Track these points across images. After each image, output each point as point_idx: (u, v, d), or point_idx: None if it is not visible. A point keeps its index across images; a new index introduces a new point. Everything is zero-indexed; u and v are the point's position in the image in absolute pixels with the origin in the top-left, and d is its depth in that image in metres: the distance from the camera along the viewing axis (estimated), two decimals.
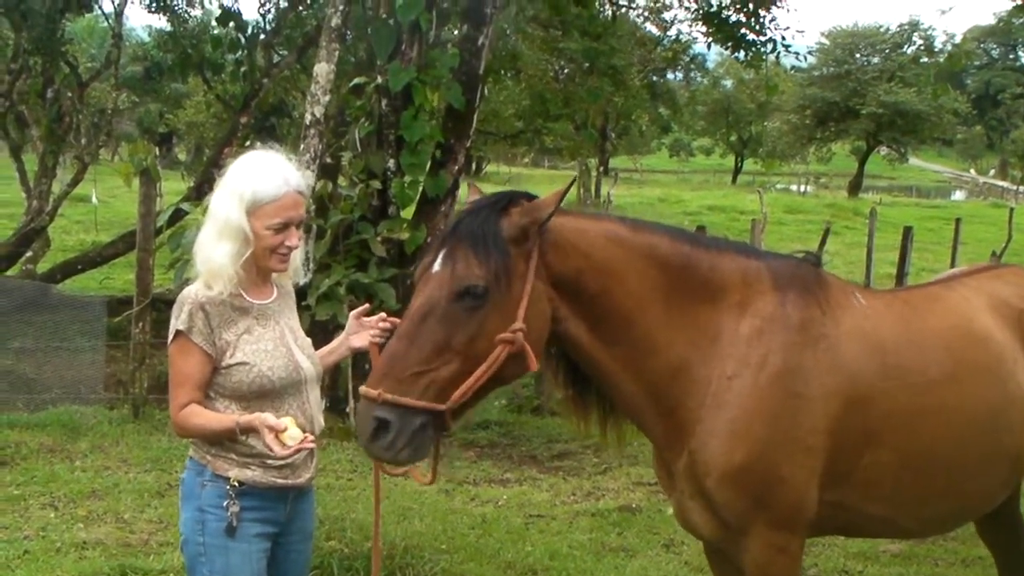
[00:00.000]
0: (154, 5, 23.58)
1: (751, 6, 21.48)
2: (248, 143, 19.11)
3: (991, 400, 5.67)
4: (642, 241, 5.14)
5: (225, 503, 4.91)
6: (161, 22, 24.38)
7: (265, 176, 4.88)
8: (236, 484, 4.92)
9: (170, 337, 4.94)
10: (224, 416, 4.88)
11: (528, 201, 4.92)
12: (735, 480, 5.10)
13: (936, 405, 5.49)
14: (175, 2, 23.81)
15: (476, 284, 4.65)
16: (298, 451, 4.73)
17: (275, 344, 5.03)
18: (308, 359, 5.18)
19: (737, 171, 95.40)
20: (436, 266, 4.77)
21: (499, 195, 5.01)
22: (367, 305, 5.56)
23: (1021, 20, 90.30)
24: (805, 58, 29.82)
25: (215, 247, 4.88)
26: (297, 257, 5.15)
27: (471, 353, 4.66)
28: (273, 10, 20.79)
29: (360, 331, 5.39)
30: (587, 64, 24.28)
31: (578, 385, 5.36)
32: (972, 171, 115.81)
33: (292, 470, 5.04)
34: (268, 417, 4.72)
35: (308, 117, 12.42)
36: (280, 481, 5.00)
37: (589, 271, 4.96)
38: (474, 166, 53.24)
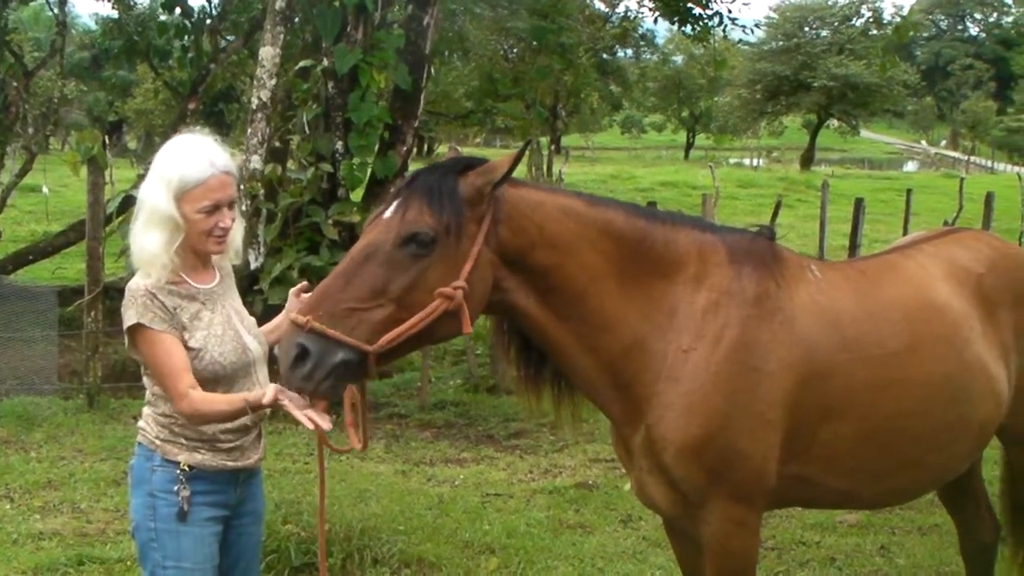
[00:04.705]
0: None
1: None
2: (197, 129, 19.06)
3: (950, 371, 5.66)
4: (597, 215, 5.11)
5: (176, 488, 4.91)
6: (107, 9, 24.15)
7: (190, 160, 4.84)
8: (186, 468, 4.92)
9: (129, 335, 4.92)
10: (232, 396, 4.89)
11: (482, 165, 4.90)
12: (692, 454, 5.09)
13: (895, 377, 5.48)
14: None
15: (425, 232, 4.60)
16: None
17: (223, 328, 5.02)
18: (255, 339, 5.18)
19: (689, 147, 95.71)
20: (387, 213, 4.74)
21: (458, 158, 4.98)
22: (306, 282, 5.51)
23: None
24: (752, 31, 29.88)
25: (146, 236, 4.86)
26: (237, 237, 5.13)
27: (407, 301, 4.60)
28: None
29: None
30: (535, 43, 24.26)
31: (531, 362, 5.33)
32: (923, 142, 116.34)
33: (241, 452, 5.06)
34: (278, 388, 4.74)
35: (255, 101, 12.41)
36: (230, 464, 5.01)
37: (542, 244, 4.92)
38: (425, 147, 53.12)
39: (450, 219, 4.64)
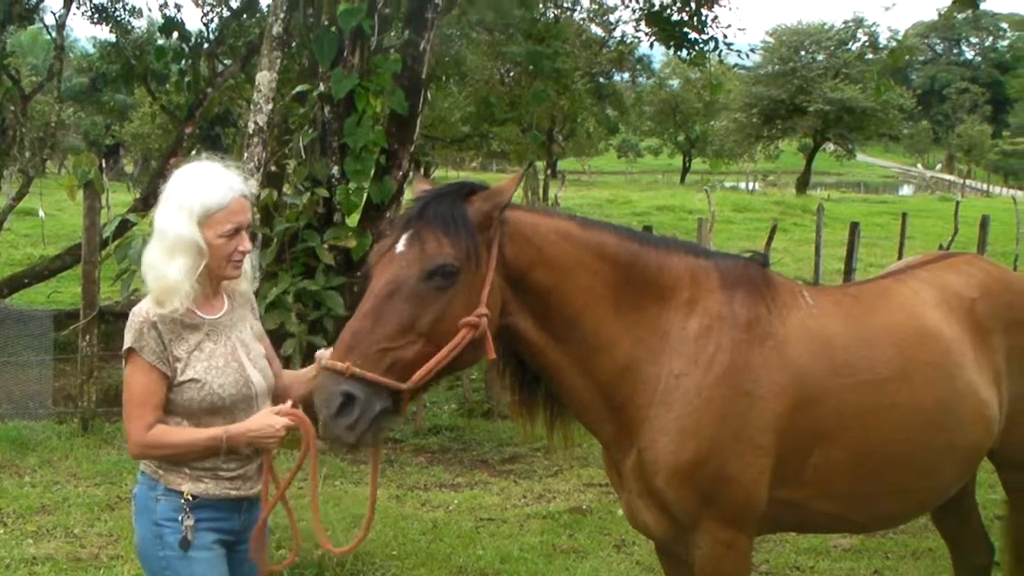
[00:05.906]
0: (97, 16, 23.51)
1: (693, 5, 21.50)
2: (194, 153, 19.11)
3: (941, 397, 5.68)
4: (591, 238, 5.16)
5: (180, 517, 4.91)
6: (105, 33, 24.24)
7: (210, 186, 4.88)
8: (190, 498, 4.91)
9: (124, 357, 4.93)
10: (206, 430, 4.89)
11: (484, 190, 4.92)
12: (684, 478, 5.12)
13: (886, 403, 5.50)
14: (118, 13, 23.73)
15: (450, 263, 4.62)
16: None
17: (226, 360, 5.01)
18: (259, 372, 5.15)
19: (685, 171, 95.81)
20: (400, 247, 4.72)
21: (460, 183, 4.99)
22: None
23: (963, 15, 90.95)
24: (747, 55, 29.94)
25: (168, 264, 4.84)
26: (246, 261, 5.14)
27: (435, 334, 4.62)
28: (216, 19, 20.75)
29: None
30: (531, 67, 24.32)
31: (525, 385, 5.35)
32: (919, 166, 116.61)
33: (244, 481, 5.06)
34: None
35: (251, 126, 12.38)
36: (233, 493, 5.02)
37: (540, 265, 4.96)
38: (422, 171, 53.34)
39: (469, 247, 4.67)
